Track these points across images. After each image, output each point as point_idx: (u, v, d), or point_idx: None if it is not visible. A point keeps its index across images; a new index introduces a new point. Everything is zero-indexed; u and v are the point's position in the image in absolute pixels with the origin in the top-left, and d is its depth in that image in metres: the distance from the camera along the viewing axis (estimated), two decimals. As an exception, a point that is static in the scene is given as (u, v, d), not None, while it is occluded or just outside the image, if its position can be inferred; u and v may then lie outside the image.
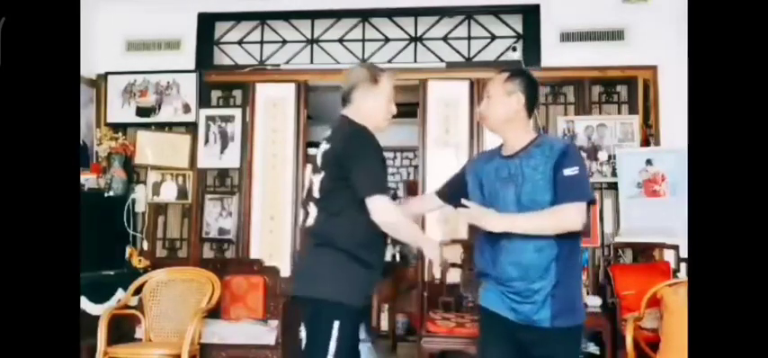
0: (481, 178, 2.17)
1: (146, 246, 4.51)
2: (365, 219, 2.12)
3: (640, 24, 4.26)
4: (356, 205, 2.11)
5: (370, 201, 2.10)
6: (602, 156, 4.17)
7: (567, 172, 2.01)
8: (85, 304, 3.63)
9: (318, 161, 2.23)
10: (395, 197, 6.76)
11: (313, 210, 2.20)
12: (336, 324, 2.10)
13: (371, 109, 2.28)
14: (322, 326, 2.11)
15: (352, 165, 2.12)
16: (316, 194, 2.20)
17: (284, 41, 4.75)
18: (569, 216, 2.01)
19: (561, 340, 2.06)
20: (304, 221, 2.26)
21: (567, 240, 2.06)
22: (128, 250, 4.33)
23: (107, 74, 4.68)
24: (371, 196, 2.10)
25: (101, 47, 4.67)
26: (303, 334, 2.22)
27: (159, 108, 4.62)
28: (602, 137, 4.19)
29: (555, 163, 2.02)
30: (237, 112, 4.57)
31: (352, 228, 2.14)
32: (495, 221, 2.03)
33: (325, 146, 2.23)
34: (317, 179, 2.20)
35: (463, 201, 2.14)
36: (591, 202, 2.10)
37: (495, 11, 4.55)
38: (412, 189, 7.08)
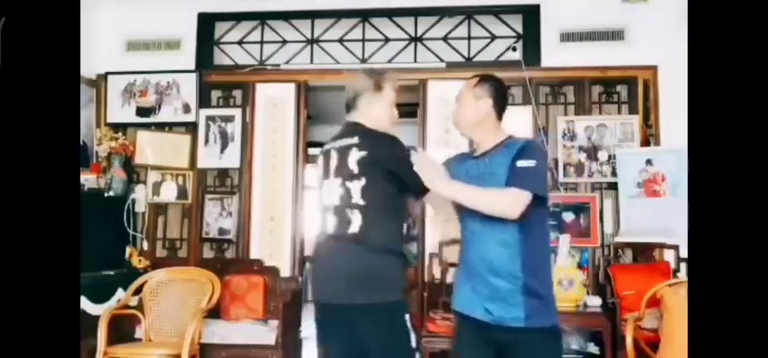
0: (456, 178, 2.21)
1: (146, 245, 4.51)
2: (401, 219, 2.28)
3: (640, 24, 4.26)
4: (397, 207, 2.23)
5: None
6: (602, 156, 4.17)
7: (521, 163, 2.05)
8: (85, 304, 3.63)
9: (353, 168, 2.22)
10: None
11: (356, 216, 2.20)
12: (407, 317, 2.22)
13: (377, 115, 2.33)
14: (401, 326, 2.18)
15: (403, 172, 2.20)
16: (358, 201, 2.20)
17: (284, 41, 4.75)
18: (506, 199, 2.03)
19: (538, 341, 2.03)
20: (344, 228, 2.23)
21: (530, 236, 2.05)
22: (128, 250, 4.33)
23: (107, 74, 4.68)
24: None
25: (101, 47, 4.67)
26: (363, 341, 2.22)
27: (159, 108, 4.62)
28: (602, 137, 4.19)
29: (514, 156, 2.08)
30: (237, 112, 4.57)
31: (395, 230, 2.26)
32: (439, 182, 2.12)
33: (358, 153, 2.22)
34: (356, 186, 2.21)
35: (414, 148, 2.25)
36: (543, 198, 2.06)
37: (495, 11, 4.55)
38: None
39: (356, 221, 2.20)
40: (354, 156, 2.22)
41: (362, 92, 2.33)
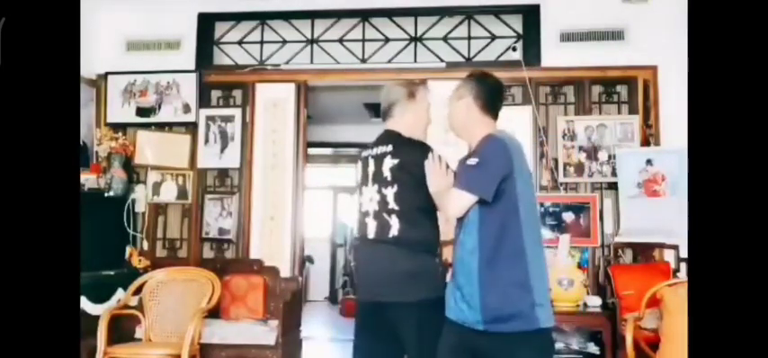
0: None
1: (146, 245, 4.51)
2: (435, 220, 2.34)
3: (640, 24, 4.26)
4: (432, 211, 2.29)
5: None
6: (602, 156, 4.17)
7: (467, 161, 2.07)
8: (85, 304, 3.64)
9: (387, 175, 2.34)
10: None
11: (394, 220, 2.32)
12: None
13: (411, 122, 2.44)
14: (440, 321, 2.21)
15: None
16: (393, 206, 2.32)
17: (284, 41, 4.75)
18: (446, 199, 2.09)
19: (506, 346, 1.98)
20: (385, 231, 2.33)
21: (487, 237, 2.02)
22: (128, 250, 4.33)
23: (107, 74, 4.68)
24: None
25: (101, 47, 4.67)
26: (409, 337, 2.30)
27: (159, 108, 4.62)
28: (602, 137, 4.19)
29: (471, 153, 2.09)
30: (237, 112, 4.57)
31: (432, 231, 2.35)
32: (428, 182, 2.19)
33: (391, 160, 2.34)
34: (390, 192, 2.33)
35: (431, 152, 2.28)
36: (480, 197, 2.01)
37: (495, 11, 4.55)
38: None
39: (394, 225, 2.32)
40: (388, 164, 2.35)
41: (397, 101, 2.45)
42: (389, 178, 2.34)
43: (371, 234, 2.37)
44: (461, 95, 2.21)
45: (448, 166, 2.25)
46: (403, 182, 2.31)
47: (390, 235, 2.31)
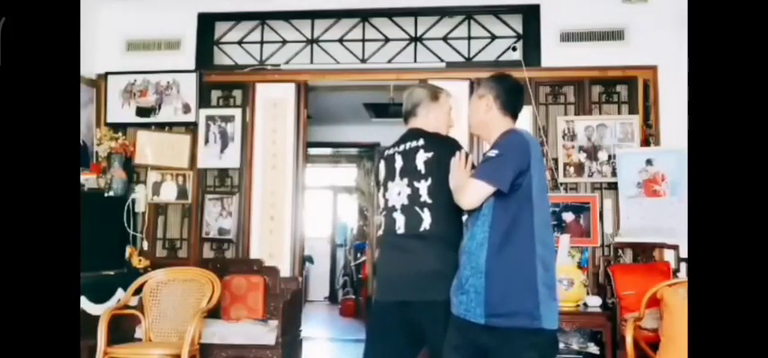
0: None
1: (146, 246, 4.51)
2: (461, 217, 2.31)
3: (640, 24, 4.26)
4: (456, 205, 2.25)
5: None
6: (602, 156, 4.17)
7: (487, 153, 2.09)
8: (85, 304, 3.64)
9: (421, 168, 2.36)
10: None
11: (426, 214, 2.33)
12: None
13: (435, 122, 2.50)
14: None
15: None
16: (426, 199, 2.34)
17: (284, 41, 4.75)
18: (462, 190, 2.10)
19: (507, 343, 1.98)
20: (415, 225, 2.34)
21: (497, 231, 2.02)
22: (128, 250, 4.33)
23: (107, 74, 4.67)
24: None
25: (101, 47, 4.67)
26: (430, 337, 2.29)
27: (159, 108, 4.62)
28: (602, 137, 4.19)
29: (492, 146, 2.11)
30: (237, 112, 4.57)
31: (459, 226, 2.32)
32: (451, 178, 2.22)
33: (424, 154, 2.37)
34: (423, 185, 2.35)
35: (460, 150, 2.31)
36: (519, 191, 2.02)
37: (495, 11, 4.55)
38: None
39: (426, 219, 2.32)
40: (421, 158, 2.37)
41: (420, 102, 2.52)
42: (423, 171, 2.35)
43: (401, 229, 2.36)
44: (482, 94, 2.24)
45: (473, 166, 2.26)
46: (436, 175, 2.32)
47: (421, 229, 2.32)
